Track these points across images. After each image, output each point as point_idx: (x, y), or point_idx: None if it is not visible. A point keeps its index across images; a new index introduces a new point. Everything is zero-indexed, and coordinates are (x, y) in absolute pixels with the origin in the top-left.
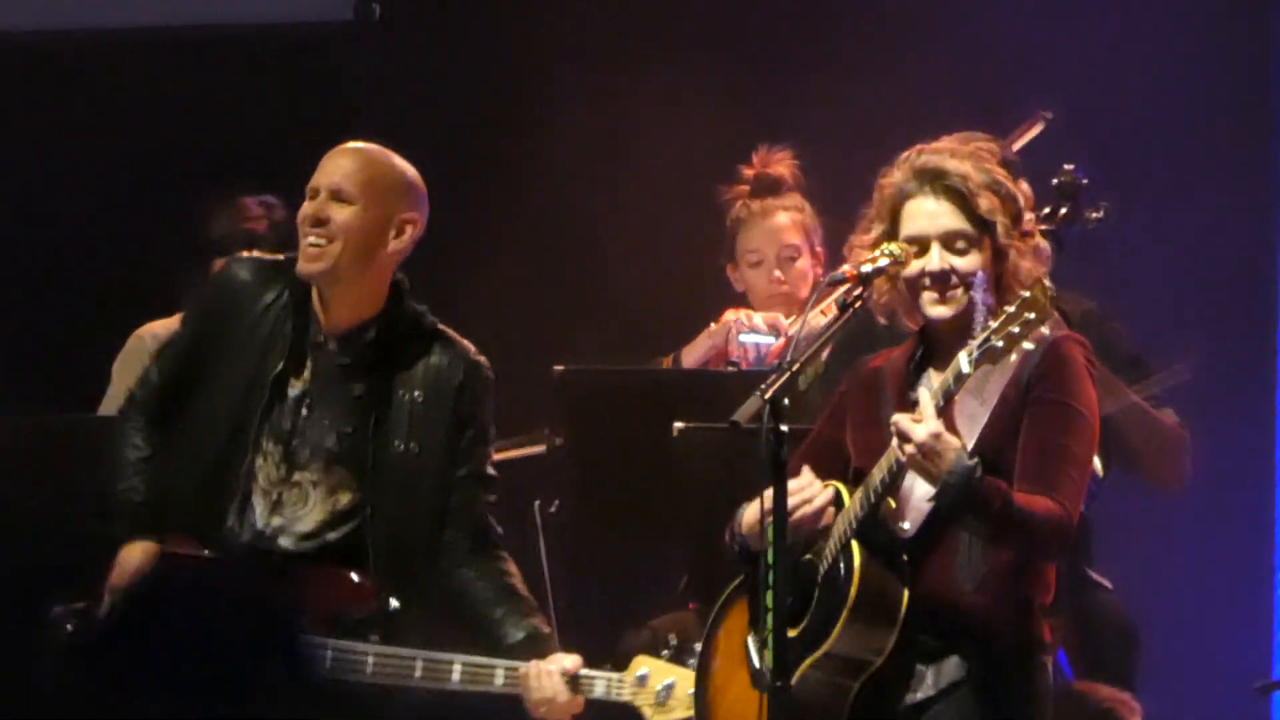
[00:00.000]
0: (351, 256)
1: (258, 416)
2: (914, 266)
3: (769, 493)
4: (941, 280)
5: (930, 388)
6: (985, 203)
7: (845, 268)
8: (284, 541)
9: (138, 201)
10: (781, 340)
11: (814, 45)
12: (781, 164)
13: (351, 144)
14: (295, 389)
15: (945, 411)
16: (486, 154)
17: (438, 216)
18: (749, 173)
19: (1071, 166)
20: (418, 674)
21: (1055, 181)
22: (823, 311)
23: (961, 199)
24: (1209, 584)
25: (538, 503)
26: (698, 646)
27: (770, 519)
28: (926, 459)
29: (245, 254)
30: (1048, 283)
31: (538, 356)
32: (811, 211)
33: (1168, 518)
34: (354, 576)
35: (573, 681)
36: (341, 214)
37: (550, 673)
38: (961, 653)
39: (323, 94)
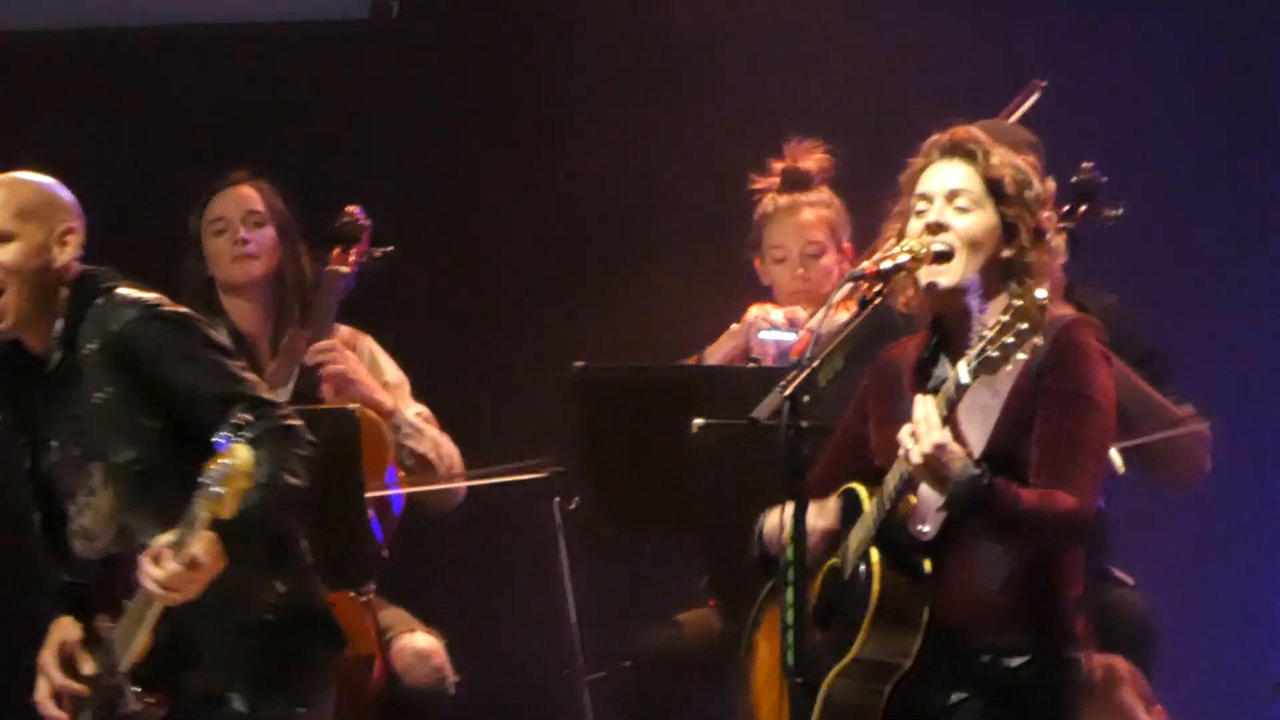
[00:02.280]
0: (29, 292)
1: (30, 486)
2: (916, 225)
3: (789, 506)
4: (935, 231)
5: (945, 377)
6: (996, 160)
7: (865, 264)
8: (101, 550)
9: (154, 199)
10: (802, 336)
11: (841, 37)
12: (811, 158)
13: None
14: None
15: (950, 417)
16: (503, 152)
17: (453, 216)
18: (778, 166)
19: (1090, 165)
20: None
21: (1074, 180)
22: (845, 307)
23: (974, 160)
24: (1227, 581)
25: (557, 500)
26: None
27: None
28: (931, 472)
29: None
30: (1040, 294)
31: (557, 358)
32: (840, 206)
33: (1186, 515)
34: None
35: (173, 548)
36: (5, 253)
37: (147, 560)
38: (992, 652)
39: (338, 92)
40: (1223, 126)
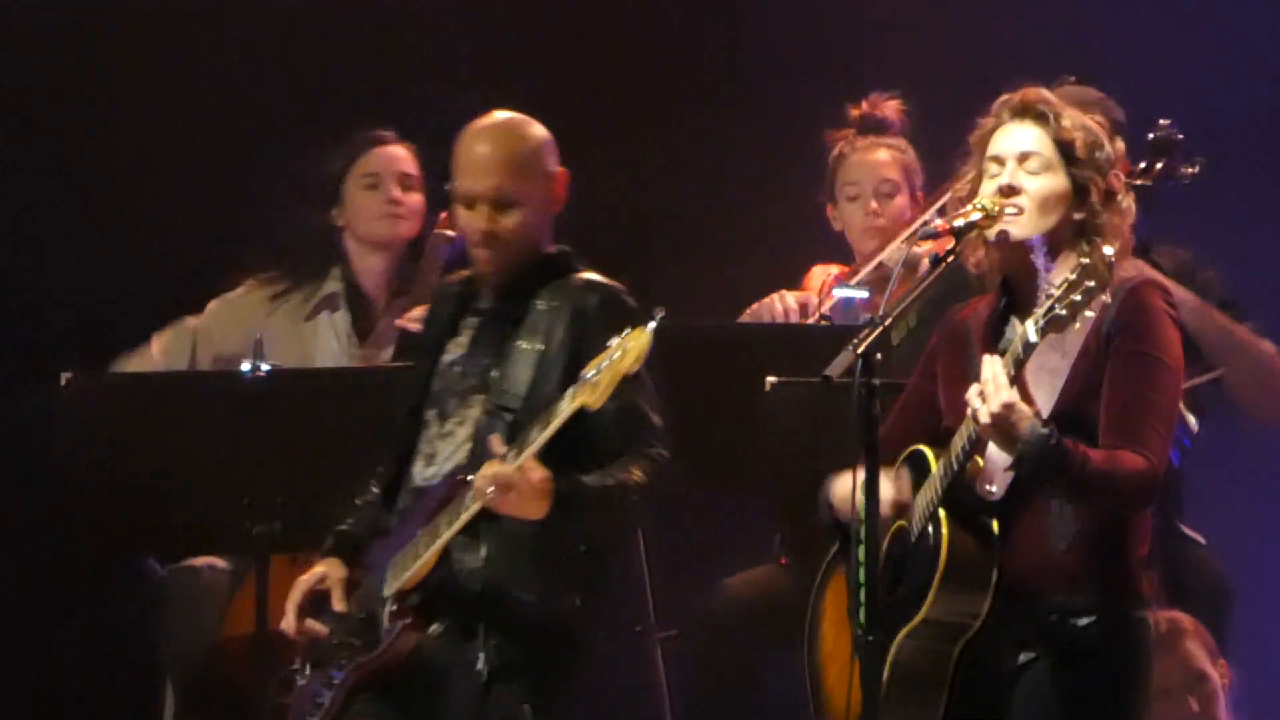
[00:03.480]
0: (520, 248)
1: (421, 402)
2: (989, 186)
3: (860, 472)
4: (1007, 194)
5: (1014, 337)
6: (1067, 122)
7: (938, 222)
8: (430, 481)
9: (250, 151)
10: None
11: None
12: (889, 108)
13: (486, 133)
14: (451, 354)
15: (1018, 376)
16: (573, 114)
17: None
18: (855, 113)
19: (1167, 122)
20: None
21: (1151, 136)
22: (918, 244)
23: (1045, 123)
24: None
25: None
26: None
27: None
28: (999, 432)
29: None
30: (1107, 251)
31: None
32: (915, 155)
33: (1263, 472)
34: None
35: (507, 456)
36: (509, 220)
37: (487, 465)
38: (1059, 613)
39: (418, 41)
40: None
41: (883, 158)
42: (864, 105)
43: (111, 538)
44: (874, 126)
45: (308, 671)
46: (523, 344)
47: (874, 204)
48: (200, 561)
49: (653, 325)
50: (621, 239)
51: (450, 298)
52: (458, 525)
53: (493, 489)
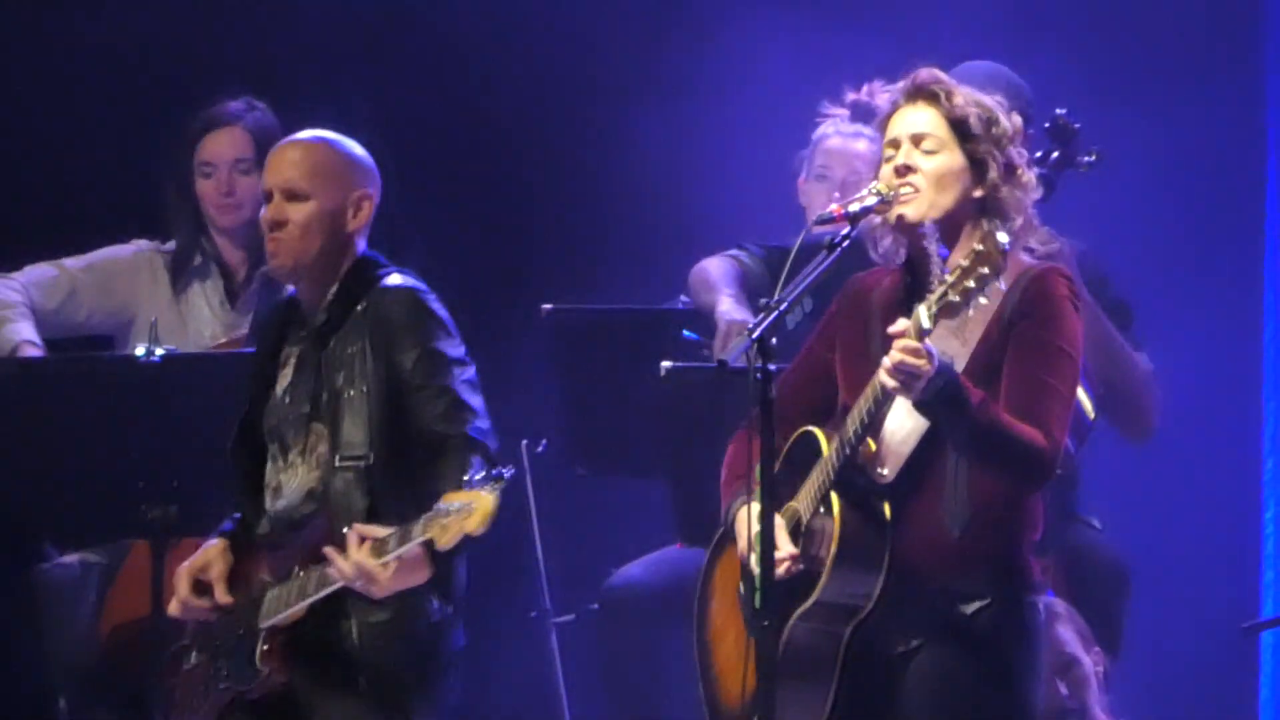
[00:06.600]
0: (313, 248)
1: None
2: (886, 170)
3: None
4: (902, 174)
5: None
6: (959, 99)
7: (833, 207)
8: (284, 512)
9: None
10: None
11: None
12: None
13: (295, 137)
14: (280, 384)
15: None
16: (474, 102)
17: (430, 163)
18: (852, 98)
19: (1064, 111)
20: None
21: (1047, 125)
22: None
23: (937, 102)
24: (1196, 525)
25: (525, 442)
26: None
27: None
28: (906, 377)
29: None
30: (1001, 237)
31: (532, 298)
32: None
33: (1155, 459)
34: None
35: (376, 545)
36: (298, 212)
37: (351, 540)
38: (951, 597)
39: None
40: (1204, 46)
41: (860, 148)
42: (863, 92)
43: (3, 525)
44: (863, 116)
45: (193, 657)
46: (350, 392)
47: (837, 194)
48: (71, 557)
49: (500, 489)
50: (521, 221)
51: (273, 323)
52: (323, 593)
53: (359, 581)
